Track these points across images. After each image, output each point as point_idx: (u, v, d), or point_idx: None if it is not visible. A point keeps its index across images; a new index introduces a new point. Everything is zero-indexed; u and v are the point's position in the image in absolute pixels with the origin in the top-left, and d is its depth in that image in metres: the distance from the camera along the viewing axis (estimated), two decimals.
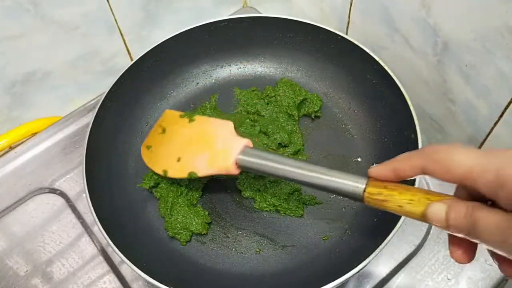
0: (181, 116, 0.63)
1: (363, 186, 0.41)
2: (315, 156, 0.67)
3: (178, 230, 0.60)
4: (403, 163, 0.38)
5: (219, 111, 0.71)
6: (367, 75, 0.66)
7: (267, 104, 0.70)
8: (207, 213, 0.62)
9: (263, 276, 0.58)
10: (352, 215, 0.61)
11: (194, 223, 0.60)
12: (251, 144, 0.54)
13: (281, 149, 0.65)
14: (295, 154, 0.65)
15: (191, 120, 0.61)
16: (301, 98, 0.69)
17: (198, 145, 0.57)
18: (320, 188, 0.46)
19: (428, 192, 0.37)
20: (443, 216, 0.34)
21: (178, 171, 0.58)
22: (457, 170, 0.32)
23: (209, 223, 0.62)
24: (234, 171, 0.53)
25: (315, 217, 0.62)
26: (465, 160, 0.32)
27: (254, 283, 0.57)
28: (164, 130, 0.63)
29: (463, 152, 0.33)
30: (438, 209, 0.34)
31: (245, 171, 0.54)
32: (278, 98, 0.70)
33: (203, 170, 0.55)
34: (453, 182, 0.34)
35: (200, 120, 0.61)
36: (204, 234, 0.61)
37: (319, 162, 0.66)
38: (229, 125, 0.57)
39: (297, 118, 0.68)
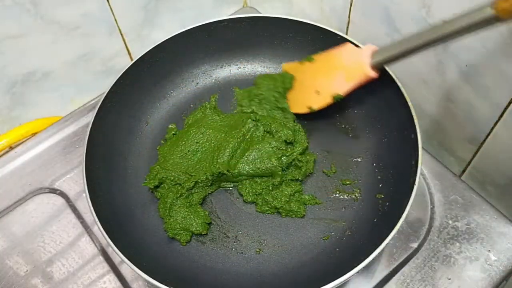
0: (301, 63, 0.68)
1: (491, 9, 0.44)
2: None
3: (178, 231, 0.60)
4: None
5: (219, 111, 0.71)
6: None
7: (259, 103, 0.70)
8: (207, 213, 0.61)
9: (263, 276, 0.57)
10: (352, 215, 0.61)
11: (194, 224, 0.60)
12: (376, 47, 0.59)
13: (289, 148, 0.65)
14: (303, 153, 0.65)
15: (311, 60, 0.66)
16: (282, 85, 0.70)
17: (329, 73, 0.63)
18: (455, 35, 0.49)
19: None
20: None
21: (321, 101, 0.64)
22: None
23: (209, 223, 0.62)
24: (373, 73, 0.59)
25: (315, 217, 0.62)
26: None
27: (254, 283, 0.57)
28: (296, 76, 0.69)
29: None
30: None
31: (384, 65, 0.59)
32: (264, 95, 0.70)
33: (343, 87, 0.61)
34: None
35: (320, 56, 0.66)
36: (204, 234, 0.61)
37: (319, 162, 0.66)
38: (348, 45, 0.62)
39: (289, 110, 0.69)
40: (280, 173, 0.63)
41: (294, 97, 0.69)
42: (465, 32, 0.49)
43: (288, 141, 0.65)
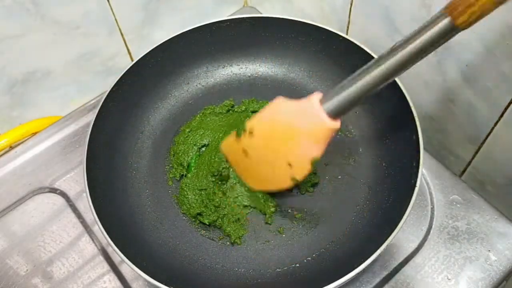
0: (237, 139, 0.60)
1: (448, 19, 0.41)
2: None
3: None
4: None
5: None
6: None
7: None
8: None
9: (264, 276, 0.58)
10: (353, 216, 0.61)
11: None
12: (320, 95, 0.51)
13: None
14: None
15: (251, 135, 0.58)
16: None
17: (291, 141, 0.54)
18: (417, 59, 0.45)
19: None
20: None
21: (302, 171, 0.56)
22: None
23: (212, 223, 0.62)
24: (336, 124, 0.50)
25: (316, 218, 0.62)
26: None
27: (255, 283, 0.57)
28: (246, 153, 0.60)
29: None
30: None
31: (344, 114, 0.50)
32: None
33: (316, 150, 0.53)
34: None
35: (259, 125, 0.57)
36: (204, 234, 0.61)
37: (319, 162, 0.66)
38: (283, 103, 0.54)
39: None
40: None
41: (260, 174, 0.60)
42: (423, 53, 0.45)
43: None
